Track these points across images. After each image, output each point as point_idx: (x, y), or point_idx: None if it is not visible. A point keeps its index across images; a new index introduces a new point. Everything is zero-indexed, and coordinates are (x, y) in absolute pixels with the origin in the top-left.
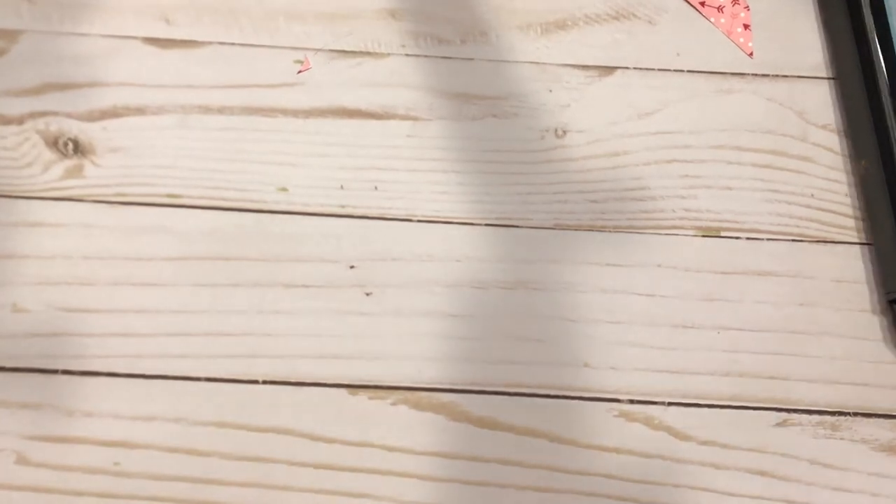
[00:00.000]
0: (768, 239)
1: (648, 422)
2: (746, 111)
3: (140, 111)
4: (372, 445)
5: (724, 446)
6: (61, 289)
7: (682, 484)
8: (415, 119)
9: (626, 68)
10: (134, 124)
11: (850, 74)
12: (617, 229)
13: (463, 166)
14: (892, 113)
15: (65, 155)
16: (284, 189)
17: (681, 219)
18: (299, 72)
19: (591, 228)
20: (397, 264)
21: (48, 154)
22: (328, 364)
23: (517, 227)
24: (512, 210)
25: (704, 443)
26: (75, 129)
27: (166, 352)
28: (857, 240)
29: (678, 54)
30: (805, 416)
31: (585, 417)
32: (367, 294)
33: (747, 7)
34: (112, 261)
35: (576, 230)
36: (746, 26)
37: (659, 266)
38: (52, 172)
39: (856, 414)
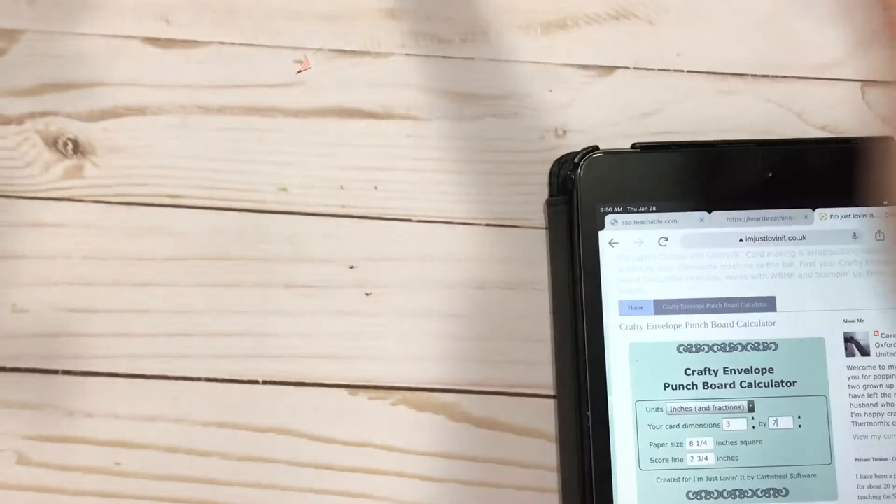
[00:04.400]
0: None
1: None
2: (746, 112)
3: (140, 111)
4: (372, 445)
5: None
6: (61, 289)
7: None
8: (415, 119)
9: (626, 68)
10: (134, 124)
11: None
12: None
13: (463, 166)
14: None
15: (64, 155)
16: (284, 189)
17: None
18: (299, 72)
19: None
20: (397, 264)
21: (48, 154)
22: (328, 364)
23: (517, 227)
24: (512, 210)
25: None
26: (75, 129)
27: (166, 352)
28: None
29: (678, 54)
30: None
31: None
32: (367, 294)
33: None
34: (112, 261)
35: None
36: None
37: None
38: (52, 172)
39: None
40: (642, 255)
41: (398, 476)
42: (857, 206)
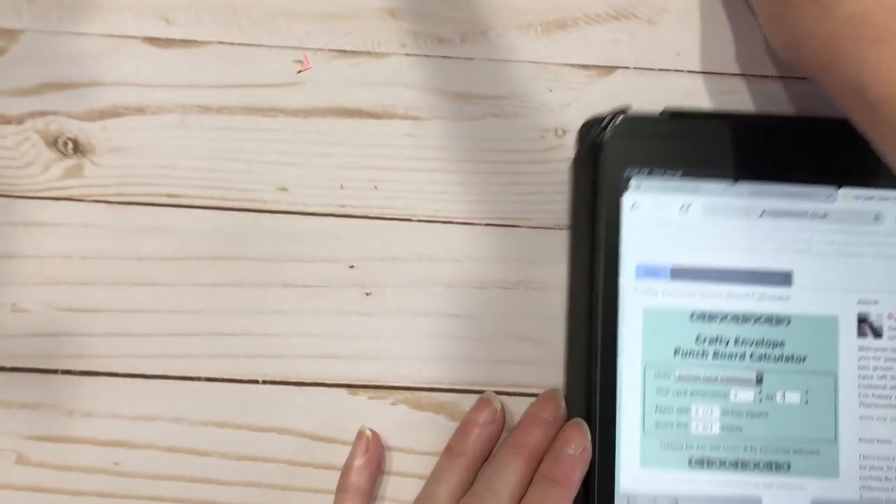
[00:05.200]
0: None
1: None
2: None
3: (140, 111)
4: None
5: None
6: (61, 289)
7: None
8: (415, 119)
9: (626, 68)
10: (134, 124)
11: None
12: None
13: (463, 166)
14: None
15: (64, 155)
16: (284, 189)
17: None
18: (299, 71)
19: None
20: (397, 264)
21: (48, 154)
22: (328, 364)
23: (517, 227)
24: (512, 210)
25: None
26: (75, 128)
27: (166, 352)
28: None
29: (678, 54)
30: None
31: None
32: (367, 294)
33: None
34: (112, 261)
35: None
36: None
37: None
38: (52, 172)
39: None
40: (663, 220)
41: (398, 476)
42: (881, 188)
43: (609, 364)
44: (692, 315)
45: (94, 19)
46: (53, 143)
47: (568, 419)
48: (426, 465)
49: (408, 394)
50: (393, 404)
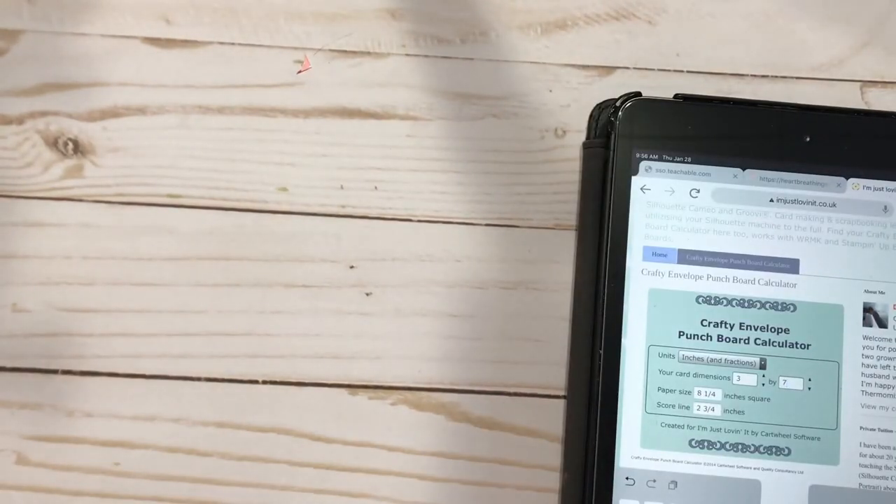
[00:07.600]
0: None
1: None
2: None
3: (140, 111)
4: (372, 445)
5: None
6: (61, 289)
7: None
8: (415, 119)
9: (626, 68)
10: (134, 124)
11: None
12: None
13: (463, 166)
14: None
15: (65, 155)
16: (284, 189)
17: None
18: (299, 72)
19: None
20: (397, 264)
21: (48, 154)
22: (328, 364)
23: (517, 227)
24: (512, 210)
25: None
26: (75, 129)
27: (166, 352)
28: None
29: (678, 54)
30: None
31: None
32: (367, 294)
33: None
34: (112, 261)
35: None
36: None
37: None
38: (52, 172)
39: None
40: (672, 204)
41: (398, 476)
42: (891, 180)
43: (613, 343)
44: (698, 298)
45: (95, 20)
46: (54, 143)
47: (570, 399)
48: (426, 465)
49: (408, 394)
50: (393, 404)
